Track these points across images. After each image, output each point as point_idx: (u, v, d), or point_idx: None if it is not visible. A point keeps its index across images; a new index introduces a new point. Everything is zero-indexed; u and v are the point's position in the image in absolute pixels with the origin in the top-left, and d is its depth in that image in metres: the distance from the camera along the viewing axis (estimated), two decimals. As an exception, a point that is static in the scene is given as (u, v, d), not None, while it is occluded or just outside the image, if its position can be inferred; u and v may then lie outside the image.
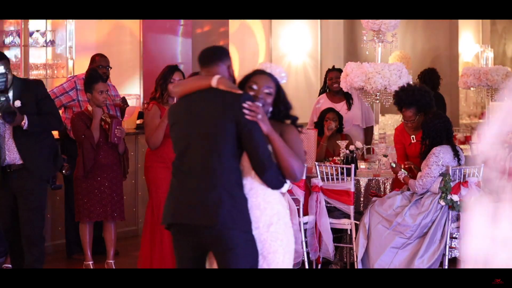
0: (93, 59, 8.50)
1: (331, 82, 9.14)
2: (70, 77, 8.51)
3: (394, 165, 7.51)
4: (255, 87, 4.37)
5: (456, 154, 7.29)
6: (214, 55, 4.44)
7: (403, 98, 7.64)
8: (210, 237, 4.26)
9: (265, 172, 4.25)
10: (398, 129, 7.94)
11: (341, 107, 8.97)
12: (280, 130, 4.39)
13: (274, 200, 4.37)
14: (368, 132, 9.14)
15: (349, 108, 9.04)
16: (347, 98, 9.04)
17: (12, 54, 9.63)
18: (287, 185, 4.40)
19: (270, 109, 4.40)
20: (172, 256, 6.73)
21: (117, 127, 7.40)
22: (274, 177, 4.28)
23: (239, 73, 4.69)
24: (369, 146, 8.68)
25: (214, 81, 4.32)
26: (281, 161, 4.28)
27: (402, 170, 7.44)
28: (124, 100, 8.48)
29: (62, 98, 8.24)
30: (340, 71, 9.01)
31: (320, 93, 9.45)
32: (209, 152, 4.28)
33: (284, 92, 4.47)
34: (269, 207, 4.34)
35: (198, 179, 4.30)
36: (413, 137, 7.69)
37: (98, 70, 8.17)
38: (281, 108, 4.43)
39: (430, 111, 7.53)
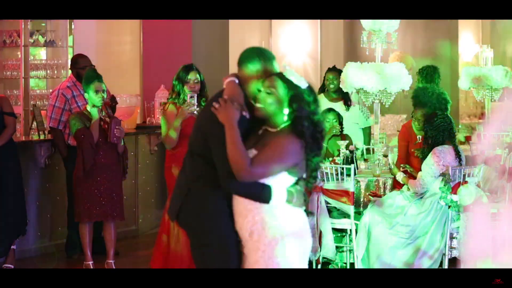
0: (76, 60, 8.42)
1: (328, 82, 9.18)
2: (55, 92, 8.32)
3: (392, 167, 7.50)
4: (261, 87, 4.23)
5: (458, 154, 7.29)
6: (242, 57, 4.30)
7: (420, 97, 7.62)
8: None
9: (224, 182, 4.11)
10: (406, 126, 7.91)
11: (339, 107, 8.99)
12: (276, 134, 4.18)
13: (257, 209, 4.16)
14: (366, 132, 9.17)
15: (347, 109, 9.06)
16: (345, 98, 9.07)
17: (12, 54, 9.63)
18: (276, 196, 4.15)
19: (286, 111, 4.15)
20: (184, 259, 6.72)
21: (117, 127, 7.40)
22: (240, 187, 4.10)
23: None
24: (368, 147, 8.68)
25: (224, 83, 4.28)
26: (228, 155, 4.05)
27: (400, 172, 7.42)
28: (113, 98, 8.48)
29: (63, 119, 8.20)
30: (339, 71, 9.02)
31: (319, 93, 9.47)
32: (188, 154, 4.35)
33: (302, 100, 4.14)
34: (250, 215, 4.17)
35: (180, 178, 4.40)
36: (419, 137, 7.67)
37: (81, 70, 8.14)
38: (293, 109, 4.15)
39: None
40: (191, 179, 4.26)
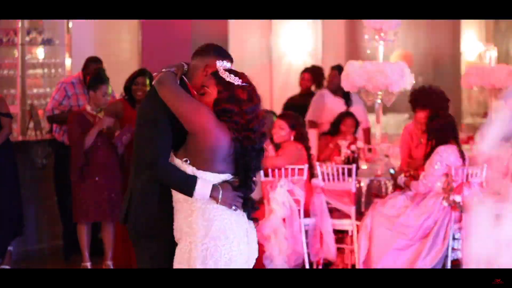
0: (87, 64, 8.33)
1: (328, 79, 9.66)
2: (58, 85, 8.32)
3: (393, 172, 7.44)
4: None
5: (462, 154, 7.23)
6: (198, 49, 4.34)
7: (419, 98, 7.49)
8: None
9: (149, 166, 4.10)
10: (407, 129, 7.80)
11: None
12: None
13: (186, 211, 4.09)
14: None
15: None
16: (346, 97, 9.44)
17: (9, 52, 9.59)
18: (200, 189, 4.01)
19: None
20: None
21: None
22: (164, 172, 4.06)
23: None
24: (370, 146, 8.68)
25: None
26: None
27: (402, 175, 7.34)
28: None
29: (56, 112, 8.15)
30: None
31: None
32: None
33: (231, 98, 4.11)
34: (177, 215, 4.13)
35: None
36: (421, 140, 7.57)
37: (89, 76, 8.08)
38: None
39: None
40: (132, 178, 4.24)
